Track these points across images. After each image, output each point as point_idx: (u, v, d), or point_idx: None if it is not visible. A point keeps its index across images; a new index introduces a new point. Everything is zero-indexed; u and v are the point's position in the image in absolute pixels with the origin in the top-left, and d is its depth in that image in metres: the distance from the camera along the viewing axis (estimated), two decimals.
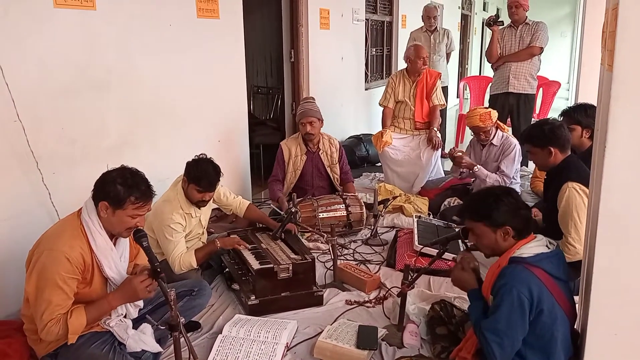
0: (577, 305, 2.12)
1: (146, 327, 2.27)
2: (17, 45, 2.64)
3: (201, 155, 2.98)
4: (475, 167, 4.07)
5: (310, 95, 5.38)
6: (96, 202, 2.12)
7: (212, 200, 3.24)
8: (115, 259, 2.19)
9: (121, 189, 2.08)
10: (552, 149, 2.79)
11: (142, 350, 2.23)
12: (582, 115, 3.15)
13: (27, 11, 2.65)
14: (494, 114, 4.14)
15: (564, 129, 2.86)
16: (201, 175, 2.90)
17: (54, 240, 2.08)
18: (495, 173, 4.04)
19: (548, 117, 4.79)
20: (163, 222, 2.92)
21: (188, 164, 2.94)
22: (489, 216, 2.01)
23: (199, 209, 3.04)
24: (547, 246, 2.01)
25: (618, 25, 1.53)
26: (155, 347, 2.27)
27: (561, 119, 3.24)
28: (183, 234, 2.97)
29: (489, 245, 2.07)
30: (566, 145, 2.82)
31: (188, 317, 2.55)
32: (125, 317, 2.26)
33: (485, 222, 2.03)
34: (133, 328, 2.25)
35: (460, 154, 4.16)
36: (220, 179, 2.99)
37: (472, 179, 4.26)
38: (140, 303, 2.31)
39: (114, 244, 2.21)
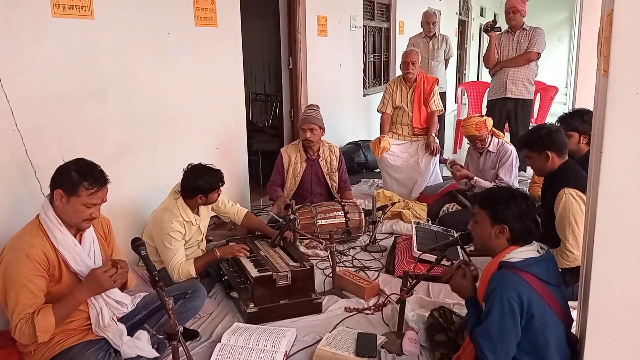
0: (575, 311, 2.12)
1: (142, 334, 2.26)
2: (15, 54, 2.64)
3: (188, 168, 3.02)
4: (473, 179, 4.07)
5: (308, 101, 5.39)
6: (52, 192, 2.14)
7: (210, 208, 3.25)
8: (81, 254, 2.18)
9: (75, 175, 2.11)
10: (549, 153, 2.79)
11: (137, 356, 2.23)
12: (578, 121, 3.15)
13: (24, 21, 2.65)
14: (489, 121, 4.15)
15: (560, 133, 2.86)
16: (212, 179, 2.98)
17: (15, 241, 2.11)
18: (494, 182, 4.04)
19: (545, 122, 4.80)
20: (162, 230, 2.92)
21: (190, 185, 2.97)
22: (495, 209, 2.03)
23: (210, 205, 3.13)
24: (538, 251, 2.01)
25: (613, 31, 1.54)
26: (151, 353, 2.26)
27: (558, 125, 3.24)
28: (182, 242, 2.97)
29: (482, 237, 2.09)
30: (563, 150, 2.82)
31: (183, 320, 2.54)
32: (118, 318, 2.27)
33: (488, 212, 2.05)
34: (129, 335, 2.25)
35: (458, 166, 4.17)
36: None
37: (473, 189, 4.25)
38: (125, 300, 2.33)
39: (79, 241, 2.21)
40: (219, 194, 3.09)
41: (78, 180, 2.10)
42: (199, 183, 2.95)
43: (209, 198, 3.03)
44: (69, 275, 2.17)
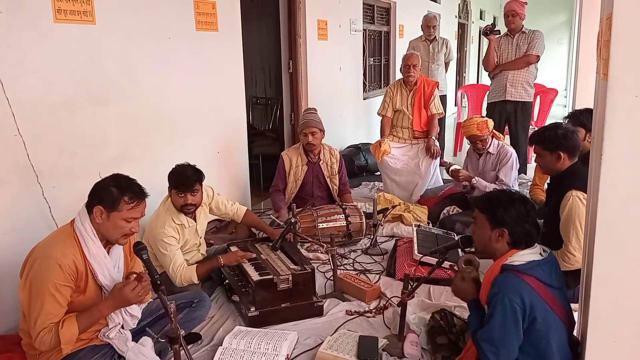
0: (577, 313, 2.12)
1: (146, 340, 2.26)
2: (17, 59, 2.65)
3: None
4: (474, 179, 4.08)
5: (309, 105, 5.40)
6: (90, 208, 2.14)
7: (209, 210, 3.25)
8: (109, 267, 2.19)
9: (115, 191, 2.12)
10: (561, 154, 2.78)
11: None
12: (588, 118, 3.14)
13: (26, 26, 2.67)
14: (490, 122, 4.15)
15: (576, 135, 2.84)
16: (178, 176, 2.93)
17: (46, 248, 2.09)
18: (495, 183, 4.04)
19: (545, 124, 4.79)
20: (156, 236, 2.93)
21: (168, 174, 2.97)
22: (494, 212, 2.03)
23: (187, 216, 3.01)
24: (540, 254, 2.01)
25: (612, 35, 1.55)
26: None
27: (566, 121, 3.25)
28: (178, 246, 2.97)
29: (482, 240, 2.09)
30: (575, 152, 2.81)
31: (188, 328, 2.54)
32: (122, 327, 2.26)
33: (488, 215, 2.05)
34: (133, 341, 2.25)
35: (457, 167, 4.17)
36: (203, 181, 3.02)
37: (472, 189, 4.26)
38: (138, 314, 2.32)
39: (108, 253, 2.22)
40: (183, 199, 2.93)
41: (118, 195, 2.12)
42: (170, 176, 2.95)
43: (172, 197, 2.96)
44: (94, 287, 2.18)
